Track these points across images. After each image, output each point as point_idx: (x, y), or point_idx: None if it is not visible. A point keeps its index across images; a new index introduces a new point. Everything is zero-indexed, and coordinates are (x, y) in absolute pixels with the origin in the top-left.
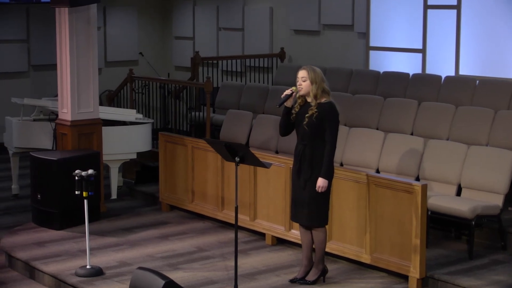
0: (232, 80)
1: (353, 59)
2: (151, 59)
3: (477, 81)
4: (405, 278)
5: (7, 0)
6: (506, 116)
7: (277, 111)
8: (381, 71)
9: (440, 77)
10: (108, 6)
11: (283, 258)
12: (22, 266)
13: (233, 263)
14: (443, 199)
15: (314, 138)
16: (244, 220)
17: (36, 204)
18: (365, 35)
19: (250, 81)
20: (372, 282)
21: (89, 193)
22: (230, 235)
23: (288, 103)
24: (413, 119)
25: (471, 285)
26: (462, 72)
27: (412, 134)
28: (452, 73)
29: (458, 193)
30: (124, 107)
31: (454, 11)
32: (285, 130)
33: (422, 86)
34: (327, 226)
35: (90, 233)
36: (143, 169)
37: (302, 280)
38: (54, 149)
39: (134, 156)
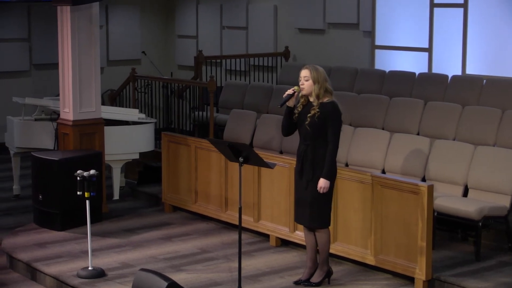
0: (236, 79)
1: (358, 58)
2: (154, 58)
3: (484, 81)
4: (411, 280)
5: None
6: None
7: (282, 111)
8: (387, 70)
9: (446, 76)
10: (111, 4)
11: (287, 259)
12: (23, 267)
13: (236, 265)
14: (449, 200)
15: (316, 138)
16: (248, 221)
17: (37, 205)
18: (371, 34)
19: (254, 81)
20: (378, 284)
21: (91, 193)
22: (234, 236)
23: (290, 103)
24: (419, 119)
25: (478, 287)
26: (469, 71)
27: (418, 134)
28: (459, 73)
29: (465, 194)
30: (126, 107)
31: (461, 10)
32: (287, 130)
33: (428, 85)
34: (331, 228)
35: (92, 234)
36: (145, 170)
37: (306, 282)
38: (55, 149)
39: (137, 156)
